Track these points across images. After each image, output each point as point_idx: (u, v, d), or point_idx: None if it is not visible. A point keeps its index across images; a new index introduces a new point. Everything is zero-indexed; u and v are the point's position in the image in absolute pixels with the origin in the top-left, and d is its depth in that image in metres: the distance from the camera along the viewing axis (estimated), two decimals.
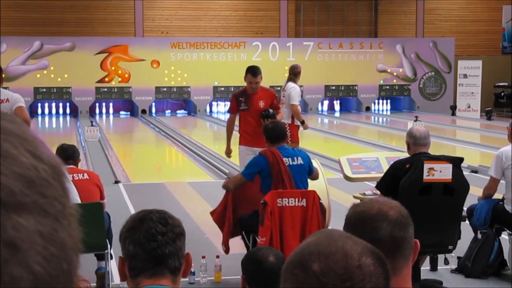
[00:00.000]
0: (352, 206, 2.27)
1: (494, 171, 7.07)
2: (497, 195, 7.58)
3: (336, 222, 8.58)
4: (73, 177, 6.58)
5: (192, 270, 7.09)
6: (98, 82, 26.23)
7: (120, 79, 26.45)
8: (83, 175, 6.78)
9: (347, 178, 8.15)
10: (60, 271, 0.63)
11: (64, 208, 0.66)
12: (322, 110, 28.25)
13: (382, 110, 28.85)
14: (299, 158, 6.81)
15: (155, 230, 2.49)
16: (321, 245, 1.28)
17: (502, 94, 27.73)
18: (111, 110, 26.96)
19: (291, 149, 6.92)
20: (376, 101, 28.73)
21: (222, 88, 26.48)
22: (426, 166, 6.29)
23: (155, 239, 2.48)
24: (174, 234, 2.52)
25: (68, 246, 0.65)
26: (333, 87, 28.00)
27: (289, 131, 10.34)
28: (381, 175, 6.79)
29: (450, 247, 6.56)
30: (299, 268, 1.26)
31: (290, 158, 6.76)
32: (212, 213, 7.31)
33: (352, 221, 2.19)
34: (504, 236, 7.43)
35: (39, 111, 26.12)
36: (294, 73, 11.26)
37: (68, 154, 6.89)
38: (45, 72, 25.78)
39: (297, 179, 6.75)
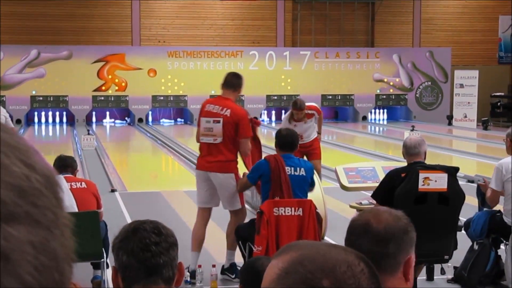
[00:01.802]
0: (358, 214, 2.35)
1: (494, 183, 7.07)
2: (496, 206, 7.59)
3: (333, 231, 8.58)
4: (71, 185, 6.57)
5: (188, 279, 7.08)
6: (95, 90, 26.24)
7: (117, 87, 26.46)
8: (80, 184, 6.77)
9: (343, 187, 8.16)
10: (51, 282, 0.63)
11: (56, 218, 0.66)
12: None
13: (379, 120, 28.87)
14: (302, 169, 6.80)
15: (149, 240, 2.48)
16: (317, 260, 1.21)
17: (499, 104, 27.78)
18: (108, 119, 26.98)
19: (296, 159, 6.92)
20: (373, 110, 28.76)
21: None
22: (422, 175, 6.29)
23: (149, 249, 2.47)
24: (168, 244, 2.51)
25: (60, 256, 0.64)
26: (330, 97, 28.03)
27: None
28: (378, 184, 6.79)
29: (446, 257, 6.55)
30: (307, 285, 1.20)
31: (292, 168, 6.76)
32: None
33: (348, 229, 2.23)
34: (502, 246, 7.43)
35: (36, 119, 26.11)
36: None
37: (67, 162, 6.94)
38: (42, 80, 25.78)
39: (296, 190, 6.74)
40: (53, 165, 6.85)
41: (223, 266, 7.36)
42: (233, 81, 7.40)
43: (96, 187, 7.03)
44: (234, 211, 7.39)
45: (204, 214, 7.44)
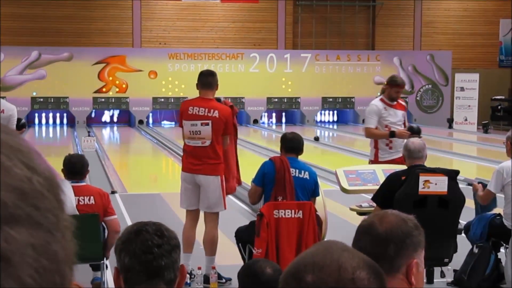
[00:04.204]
0: None
1: (494, 186, 7.06)
2: (496, 210, 7.59)
3: (333, 234, 8.57)
4: (78, 200, 6.28)
5: (188, 281, 7.08)
6: (95, 92, 26.24)
7: (117, 89, 26.46)
8: (89, 199, 6.35)
9: (343, 190, 8.13)
10: (52, 284, 0.63)
11: (58, 220, 0.66)
12: (319, 122, 28.30)
13: None
14: (306, 172, 6.84)
15: (151, 242, 2.49)
16: (317, 256, 1.28)
17: (499, 107, 27.78)
18: (107, 120, 26.99)
19: (301, 163, 6.96)
20: None
21: None
22: (422, 178, 6.29)
23: (151, 251, 2.47)
24: (170, 246, 2.51)
25: (61, 259, 0.64)
26: (330, 99, 28.04)
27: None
28: (378, 187, 6.79)
29: (446, 260, 6.56)
30: (293, 278, 1.27)
31: (297, 170, 6.79)
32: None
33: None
34: (502, 250, 7.42)
35: (36, 121, 26.10)
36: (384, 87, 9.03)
37: (76, 169, 6.42)
38: (42, 82, 25.78)
39: (298, 192, 6.76)
40: (63, 166, 6.51)
41: (206, 276, 7.22)
42: (207, 81, 7.46)
43: (107, 196, 6.60)
44: (213, 215, 7.36)
45: (193, 216, 7.46)
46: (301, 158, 7.10)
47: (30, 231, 0.62)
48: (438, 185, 6.31)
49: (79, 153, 17.30)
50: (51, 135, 24.73)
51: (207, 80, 7.48)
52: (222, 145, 7.36)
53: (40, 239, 0.63)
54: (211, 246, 7.34)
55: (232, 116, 7.42)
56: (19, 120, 9.24)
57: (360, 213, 7.59)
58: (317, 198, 7.08)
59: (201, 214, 7.52)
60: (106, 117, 26.99)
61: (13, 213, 0.61)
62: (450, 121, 27.16)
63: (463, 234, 7.36)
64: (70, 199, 6.10)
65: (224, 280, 7.23)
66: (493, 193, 7.11)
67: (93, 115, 26.69)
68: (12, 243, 0.60)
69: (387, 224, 2.23)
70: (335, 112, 28.76)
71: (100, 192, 6.56)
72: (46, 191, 0.65)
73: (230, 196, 11.37)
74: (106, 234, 6.76)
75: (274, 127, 27.16)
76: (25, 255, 0.61)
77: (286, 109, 28.13)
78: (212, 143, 7.27)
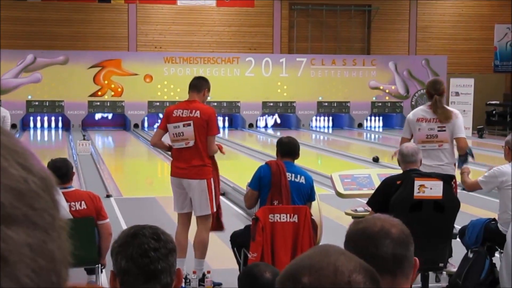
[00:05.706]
0: (353, 223, 2.34)
1: (485, 185, 7.08)
2: (490, 214, 7.60)
3: (328, 239, 8.58)
4: (70, 206, 6.23)
5: (183, 285, 7.07)
6: (91, 96, 26.23)
7: (113, 93, 26.45)
8: (80, 205, 6.30)
9: (339, 194, 8.15)
10: (49, 284, 0.63)
11: (53, 220, 0.66)
12: (315, 126, 28.32)
13: (374, 127, 28.90)
14: (303, 177, 6.83)
15: (148, 245, 2.49)
16: (314, 259, 1.29)
17: (494, 112, 27.84)
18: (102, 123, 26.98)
19: (297, 167, 6.96)
20: (369, 117, 28.79)
21: (215, 103, 26.50)
22: (417, 183, 6.30)
23: (148, 255, 2.47)
24: (167, 250, 2.52)
25: (57, 258, 0.65)
26: (326, 104, 28.06)
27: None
28: (373, 191, 6.80)
29: (441, 264, 6.56)
30: (289, 280, 1.28)
31: (293, 174, 6.78)
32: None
33: (355, 237, 2.24)
34: (497, 254, 7.43)
35: (31, 124, 26.08)
36: (438, 92, 7.91)
37: (62, 172, 6.26)
38: (37, 85, 25.76)
39: (294, 196, 6.76)
40: None
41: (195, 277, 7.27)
42: (195, 83, 7.61)
43: (98, 199, 6.55)
44: (203, 218, 7.36)
45: (183, 220, 7.45)
46: (297, 163, 7.10)
47: (27, 231, 0.62)
48: (433, 189, 6.32)
49: (74, 157, 17.27)
50: (46, 138, 24.70)
51: (194, 82, 7.64)
52: (208, 148, 7.32)
53: (37, 238, 0.63)
54: (199, 248, 7.34)
55: (215, 115, 7.46)
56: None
57: (355, 218, 7.59)
58: (313, 202, 7.07)
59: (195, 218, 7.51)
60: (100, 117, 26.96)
61: (10, 213, 0.62)
62: None
63: (458, 239, 7.37)
64: (63, 206, 6.05)
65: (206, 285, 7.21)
66: (480, 186, 7.12)
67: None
68: (9, 243, 0.61)
69: (399, 226, 2.28)
70: (331, 116, 28.80)
71: (91, 195, 6.54)
72: (41, 191, 0.65)
73: (226, 201, 11.38)
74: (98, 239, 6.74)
75: (270, 131, 27.17)
76: (23, 255, 0.61)
77: (281, 113, 28.15)
78: (196, 143, 7.28)
